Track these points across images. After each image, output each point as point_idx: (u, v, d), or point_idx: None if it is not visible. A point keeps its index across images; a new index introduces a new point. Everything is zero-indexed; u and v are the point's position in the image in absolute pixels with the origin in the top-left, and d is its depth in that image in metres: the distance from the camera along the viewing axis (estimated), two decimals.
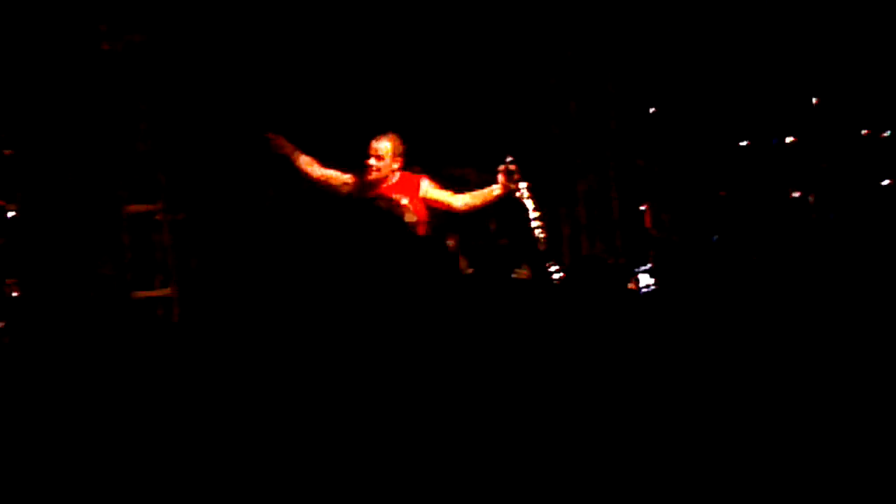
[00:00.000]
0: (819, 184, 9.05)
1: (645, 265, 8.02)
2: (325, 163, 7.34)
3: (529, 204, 7.15)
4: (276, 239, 7.88)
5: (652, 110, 9.34)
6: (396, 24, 8.71)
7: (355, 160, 7.24)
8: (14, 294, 7.62)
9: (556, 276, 7.17)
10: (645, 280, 8.01)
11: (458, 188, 7.23)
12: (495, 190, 7.04)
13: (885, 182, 8.93)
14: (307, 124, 8.44)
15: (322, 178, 7.27)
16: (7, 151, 7.72)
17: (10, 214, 7.82)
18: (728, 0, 9.05)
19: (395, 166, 7.15)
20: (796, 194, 9.01)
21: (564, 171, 9.15)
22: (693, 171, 9.29)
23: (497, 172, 7.00)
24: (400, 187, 7.14)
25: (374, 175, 7.14)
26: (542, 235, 7.26)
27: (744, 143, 9.25)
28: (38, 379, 5.30)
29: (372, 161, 7.14)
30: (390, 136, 7.19)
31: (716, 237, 8.73)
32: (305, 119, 8.46)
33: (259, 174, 8.37)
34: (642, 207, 9.28)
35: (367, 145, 7.16)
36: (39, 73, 7.78)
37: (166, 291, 8.12)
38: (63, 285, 7.81)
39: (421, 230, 6.95)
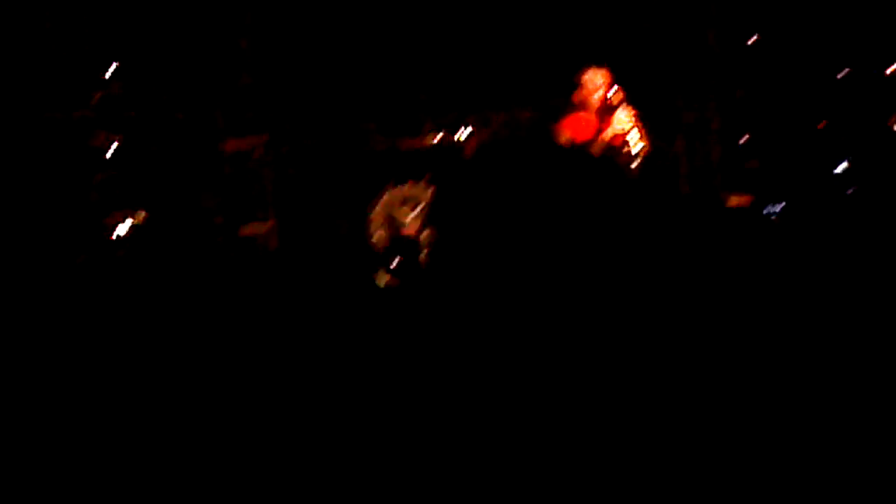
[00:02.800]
0: None
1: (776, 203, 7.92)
2: None
3: (635, 134, 7.07)
4: (375, 176, 7.85)
5: (752, 40, 9.16)
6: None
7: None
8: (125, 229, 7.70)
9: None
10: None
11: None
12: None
13: None
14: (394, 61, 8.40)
15: None
16: (115, 86, 7.76)
17: (114, 147, 7.89)
18: None
19: None
20: None
21: (665, 104, 9.02)
22: (795, 102, 9.11)
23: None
24: None
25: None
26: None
27: (844, 73, 9.04)
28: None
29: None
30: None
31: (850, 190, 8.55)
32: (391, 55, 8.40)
33: (359, 110, 8.33)
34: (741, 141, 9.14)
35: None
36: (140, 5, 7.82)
37: (268, 225, 8.13)
38: (166, 221, 7.87)
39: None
